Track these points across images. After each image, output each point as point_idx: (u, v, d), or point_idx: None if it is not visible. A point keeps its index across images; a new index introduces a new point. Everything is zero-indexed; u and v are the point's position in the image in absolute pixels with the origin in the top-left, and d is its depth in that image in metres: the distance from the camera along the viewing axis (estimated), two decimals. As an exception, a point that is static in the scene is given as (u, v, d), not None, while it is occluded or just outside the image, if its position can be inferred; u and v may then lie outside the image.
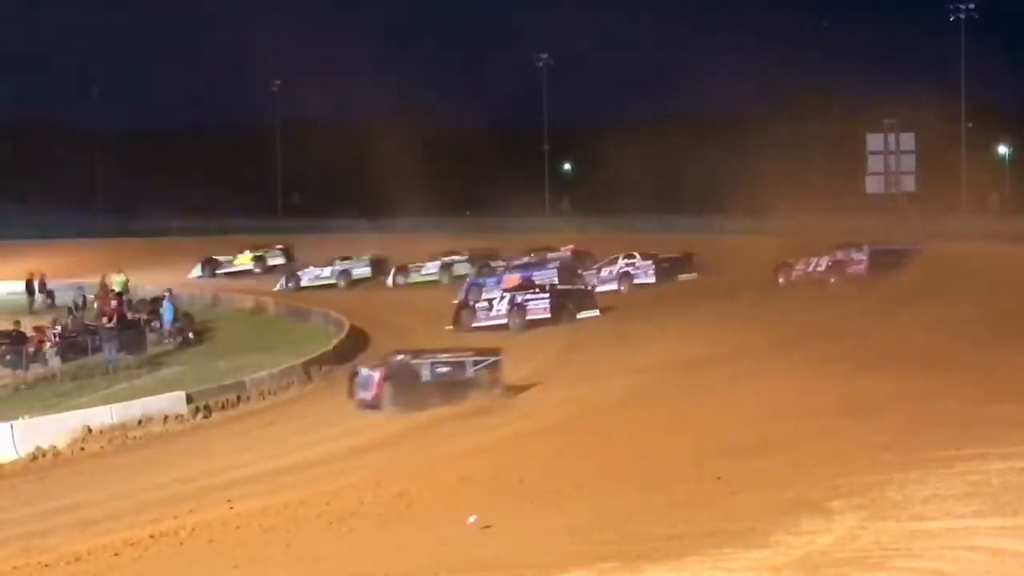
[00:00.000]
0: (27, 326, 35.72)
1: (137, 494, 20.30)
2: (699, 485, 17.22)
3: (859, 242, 44.89)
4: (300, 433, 24.65)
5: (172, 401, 27.24)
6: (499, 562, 14.02)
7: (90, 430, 25.43)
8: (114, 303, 39.63)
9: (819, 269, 44.51)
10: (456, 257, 51.71)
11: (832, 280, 43.48)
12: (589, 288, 40.77)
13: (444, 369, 26.85)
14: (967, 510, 13.96)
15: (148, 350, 35.31)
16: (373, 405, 26.39)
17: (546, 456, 20.10)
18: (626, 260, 46.00)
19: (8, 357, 33.23)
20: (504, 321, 37.44)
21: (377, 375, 26.58)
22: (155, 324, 37.93)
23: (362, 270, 53.50)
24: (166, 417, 26.59)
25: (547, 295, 38.04)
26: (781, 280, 44.21)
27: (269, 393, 29.06)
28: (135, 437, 25.65)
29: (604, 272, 45.56)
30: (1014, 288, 35.60)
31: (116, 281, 45.18)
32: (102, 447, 24.99)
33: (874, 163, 70.97)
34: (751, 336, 31.48)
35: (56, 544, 17.52)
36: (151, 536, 17.31)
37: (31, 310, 45.18)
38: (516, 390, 26.75)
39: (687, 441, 20.34)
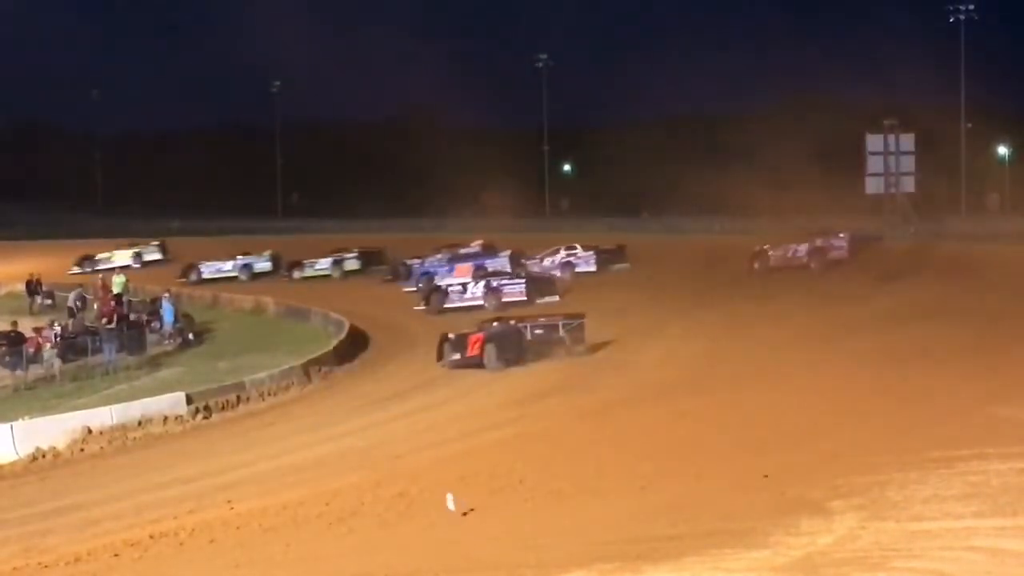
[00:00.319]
0: (27, 327, 35.66)
1: (137, 495, 20.29)
2: (699, 485, 17.22)
3: (836, 229, 48.42)
4: (300, 433, 24.63)
5: (172, 402, 27.20)
6: (499, 562, 14.02)
7: (90, 431, 25.39)
8: (112, 303, 39.65)
9: (798, 255, 47.61)
10: (346, 254, 56.39)
11: (812, 265, 46.56)
12: (549, 276, 45.15)
13: (540, 331, 31.50)
14: (967, 510, 13.97)
15: (148, 351, 35.26)
16: (469, 364, 30.74)
17: (546, 456, 20.10)
18: (567, 250, 49.61)
19: (8, 358, 33.19)
20: (481, 303, 41.33)
21: (475, 338, 30.98)
22: (155, 325, 37.90)
23: (263, 264, 58.02)
24: (166, 418, 26.54)
25: (522, 280, 42.82)
26: (756, 266, 47.33)
27: (269, 394, 29.01)
28: (135, 438, 25.62)
29: (547, 261, 48.87)
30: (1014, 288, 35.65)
31: (116, 282, 45.17)
32: (102, 448, 24.96)
33: (874, 164, 70.88)
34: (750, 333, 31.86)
35: (56, 544, 17.52)
36: (151, 536, 17.30)
37: (31, 311, 45.16)
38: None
39: (687, 441, 20.35)
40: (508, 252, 49.31)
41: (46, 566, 16.48)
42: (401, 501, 17.95)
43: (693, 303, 37.71)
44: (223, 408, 27.73)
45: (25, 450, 24.44)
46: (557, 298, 40.93)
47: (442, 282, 44.55)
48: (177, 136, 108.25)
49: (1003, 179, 77.89)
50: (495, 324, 32.25)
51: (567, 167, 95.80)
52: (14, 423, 25.20)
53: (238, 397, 28.42)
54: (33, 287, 48.58)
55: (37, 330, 34.97)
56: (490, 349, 30.79)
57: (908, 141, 70.82)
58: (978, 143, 76.39)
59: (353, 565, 14.85)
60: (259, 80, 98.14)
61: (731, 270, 45.64)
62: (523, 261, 48.45)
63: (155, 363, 34.02)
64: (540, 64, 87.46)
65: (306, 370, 30.78)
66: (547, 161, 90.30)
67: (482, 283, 42.65)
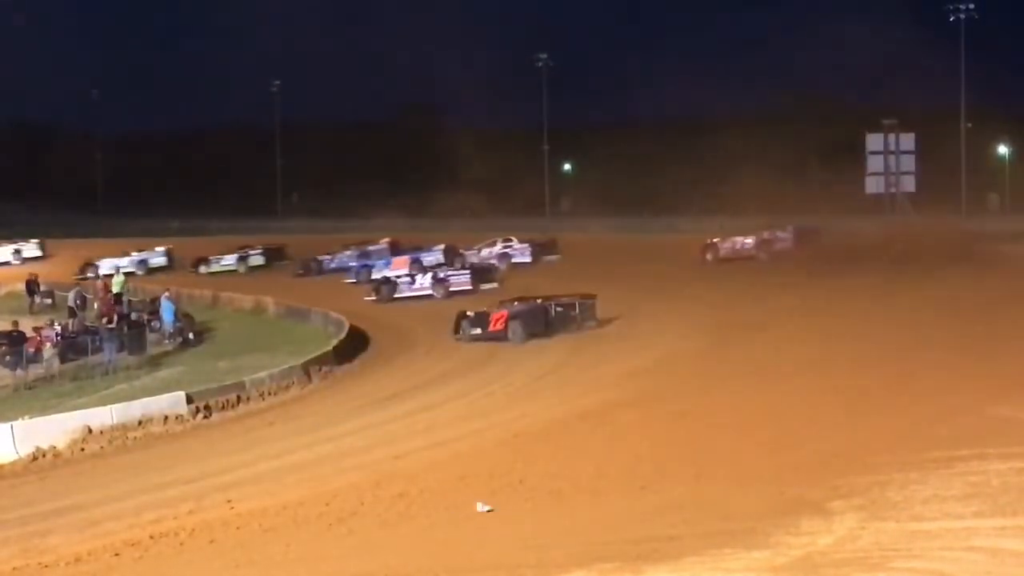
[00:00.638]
0: (27, 326, 35.66)
1: (137, 495, 20.27)
2: (699, 485, 17.22)
3: (783, 223, 52.96)
4: (300, 433, 24.61)
5: (172, 401, 27.18)
6: (499, 562, 14.02)
7: (90, 430, 25.37)
8: (111, 303, 39.69)
9: (746, 246, 52.10)
10: (251, 251, 61.86)
11: (761, 255, 51.08)
12: (490, 265, 49.76)
13: (560, 309, 35.47)
14: (967, 510, 13.98)
15: (148, 350, 35.25)
16: (491, 338, 34.40)
17: (546, 456, 20.11)
18: (504, 243, 54.56)
19: (8, 358, 33.20)
20: (429, 292, 45.57)
21: (498, 315, 34.98)
22: (155, 324, 37.89)
23: (159, 260, 63.14)
24: (166, 417, 26.52)
25: (468, 271, 47.11)
26: (709, 257, 51.62)
27: (269, 393, 28.99)
28: (135, 437, 25.60)
29: (484, 252, 53.37)
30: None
31: (116, 282, 45.19)
32: (102, 447, 24.94)
33: (874, 163, 70.91)
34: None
35: (56, 544, 17.51)
36: (151, 537, 17.30)
37: (31, 310, 45.18)
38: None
39: (687, 441, 20.35)
40: (442, 246, 52.85)
41: (46, 566, 16.47)
42: (401, 501, 17.94)
43: (629, 287, 41.57)
44: (223, 408, 27.71)
45: (25, 450, 24.43)
46: (496, 285, 45.45)
47: (381, 274, 48.75)
48: (177, 136, 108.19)
49: (1003, 179, 77.85)
50: (517, 303, 35.94)
51: (567, 167, 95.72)
52: (14, 423, 25.18)
53: (238, 397, 28.41)
54: (33, 287, 48.63)
55: (37, 329, 34.99)
56: (515, 325, 34.46)
57: (908, 140, 70.86)
58: (978, 143, 76.32)
59: (353, 565, 14.85)
60: (259, 80, 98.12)
61: (673, 260, 50.03)
62: (461, 252, 52.47)
63: (155, 363, 34.02)
64: (540, 64, 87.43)
65: (306, 370, 30.78)
66: (547, 161, 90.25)
67: (430, 275, 46.58)
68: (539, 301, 35.98)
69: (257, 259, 61.20)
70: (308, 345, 34.39)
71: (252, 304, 46.28)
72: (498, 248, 54.35)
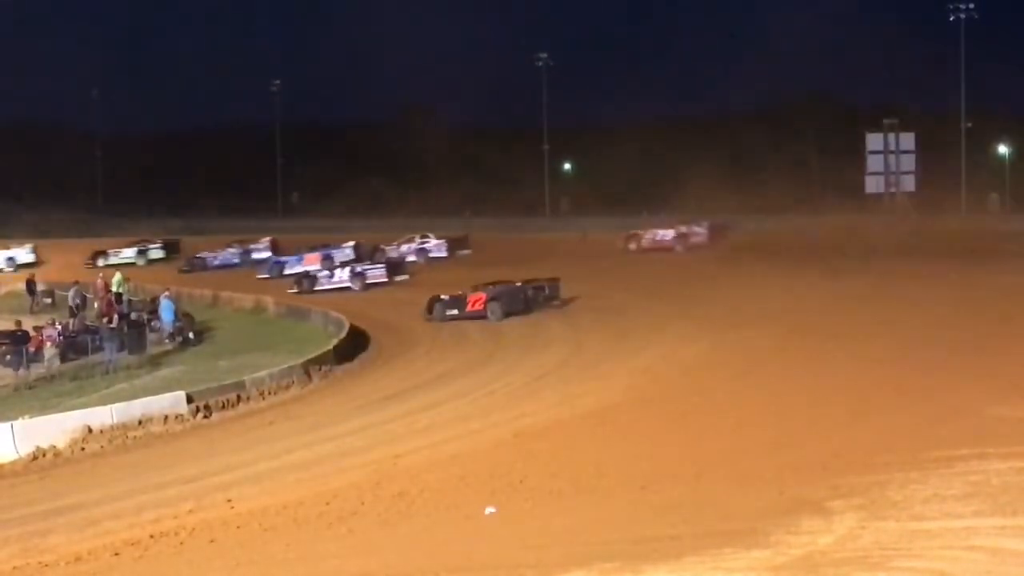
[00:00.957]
0: (28, 326, 35.64)
1: (137, 494, 20.26)
2: (699, 485, 17.22)
3: (699, 219, 59.18)
4: (300, 433, 24.61)
5: (172, 401, 27.17)
6: (499, 562, 14.02)
7: (90, 430, 25.35)
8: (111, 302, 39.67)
9: (666, 239, 58.19)
10: (150, 245, 66.86)
11: (677, 248, 57.05)
12: (402, 259, 55.36)
13: (532, 291, 40.36)
14: (967, 510, 13.97)
15: (148, 350, 35.24)
16: (468, 317, 38.98)
17: (546, 456, 20.11)
18: (421, 239, 60.08)
19: (8, 357, 33.20)
20: (348, 285, 49.59)
21: (475, 297, 39.69)
22: (155, 324, 37.89)
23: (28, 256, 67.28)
24: (166, 417, 26.50)
25: (383, 264, 52.47)
26: (632, 247, 57.73)
27: (269, 393, 28.98)
28: (135, 437, 25.59)
29: (403, 248, 58.92)
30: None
31: (116, 281, 45.19)
32: (102, 447, 24.92)
33: (874, 163, 70.92)
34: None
35: (56, 544, 17.51)
36: (151, 536, 17.29)
37: (31, 310, 45.19)
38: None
39: (687, 441, 20.36)
40: (352, 243, 57.19)
41: (46, 565, 16.47)
42: (401, 501, 17.94)
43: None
44: (223, 407, 27.70)
45: (25, 449, 24.42)
46: (407, 276, 50.96)
47: (295, 269, 53.97)
48: (177, 136, 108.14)
49: (1003, 179, 77.81)
50: (493, 286, 40.33)
51: (567, 166, 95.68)
52: (14, 422, 25.17)
53: (238, 396, 28.39)
54: (32, 286, 48.68)
55: (38, 329, 34.99)
56: (494, 305, 39.18)
57: (908, 140, 70.84)
58: (978, 143, 76.30)
59: (353, 565, 14.84)
60: (259, 80, 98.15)
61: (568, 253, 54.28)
62: (381, 247, 58.17)
63: (155, 362, 34.01)
64: (540, 64, 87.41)
65: (306, 369, 30.77)
66: (547, 161, 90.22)
67: (348, 269, 51.26)
68: (517, 284, 40.66)
69: (157, 252, 66.10)
70: (308, 345, 34.40)
71: (252, 304, 46.31)
72: (416, 244, 59.80)
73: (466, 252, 59.83)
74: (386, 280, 49.99)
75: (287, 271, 54.37)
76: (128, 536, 17.39)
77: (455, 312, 39.48)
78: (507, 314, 38.75)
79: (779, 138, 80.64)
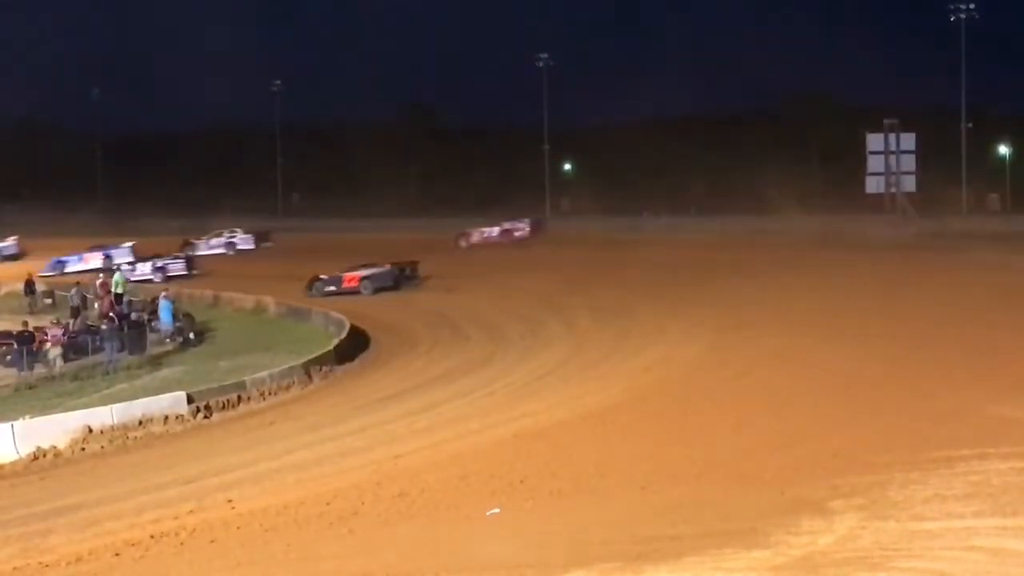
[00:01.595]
0: (30, 326, 35.61)
1: (138, 494, 20.25)
2: (699, 485, 17.22)
3: (522, 217, 68.14)
4: (300, 433, 24.59)
5: (173, 401, 27.14)
6: (499, 562, 14.03)
7: (91, 430, 25.32)
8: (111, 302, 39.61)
9: (492, 236, 65.97)
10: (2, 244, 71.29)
11: (504, 242, 64.62)
12: (195, 257, 60.82)
13: (399, 272, 48.62)
14: (967, 510, 13.98)
15: (149, 350, 35.21)
16: (343, 293, 45.93)
17: (546, 456, 20.11)
18: (230, 233, 68.16)
19: (9, 357, 33.18)
20: (150, 277, 54.54)
21: (351, 276, 47.20)
22: (155, 324, 37.86)
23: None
24: (167, 417, 26.47)
25: (183, 259, 58.26)
26: (463, 244, 65.38)
27: (270, 393, 28.95)
28: (136, 437, 25.57)
29: (213, 241, 66.96)
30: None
31: (116, 281, 45.14)
32: (102, 447, 24.90)
33: (874, 163, 70.91)
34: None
35: (56, 544, 17.49)
36: (152, 536, 17.28)
37: (31, 310, 45.16)
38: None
39: (687, 441, 20.36)
40: (131, 243, 61.76)
41: (47, 566, 16.45)
42: (401, 501, 17.94)
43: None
44: (224, 408, 27.67)
45: (26, 449, 24.40)
46: (198, 271, 56.86)
47: (57, 271, 57.80)
48: (177, 136, 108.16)
49: (1003, 179, 77.83)
50: (366, 267, 47.74)
51: (567, 167, 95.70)
52: (15, 422, 25.16)
53: (239, 397, 28.36)
54: (32, 287, 48.65)
55: (38, 329, 34.97)
56: (367, 283, 46.85)
57: (909, 140, 70.83)
58: (978, 143, 76.33)
59: (354, 565, 14.85)
60: (259, 80, 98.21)
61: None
62: (191, 241, 65.79)
63: (156, 362, 33.98)
64: (540, 64, 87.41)
65: (307, 370, 30.76)
66: (547, 161, 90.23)
67: (150, 263, 56.99)
68: (387, 266, 48.07)
69: (10, 248, 70.31)
70: (309, 345, 34.39)
71: (253, 304, 46.29)
72: (224, 237, 67.68)
73: (269, 244, 68.16)
74: (186, 273, 55.88)
75: (67, 270, 57.92)
76: (129, 536, 17.38)
77: (332, 289, 46.17)
78: (377, 290, 46.20)
79: (779, 138, 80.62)
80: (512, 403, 25.82)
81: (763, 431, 20.48)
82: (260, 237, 68.40)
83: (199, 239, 66.85)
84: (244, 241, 67.51)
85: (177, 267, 56.62)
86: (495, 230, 66.75)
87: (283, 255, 62.11)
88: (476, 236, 66.33)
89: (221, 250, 65.76)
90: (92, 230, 77.84)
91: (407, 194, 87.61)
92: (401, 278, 48.18)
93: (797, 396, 23.49)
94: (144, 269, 55.77)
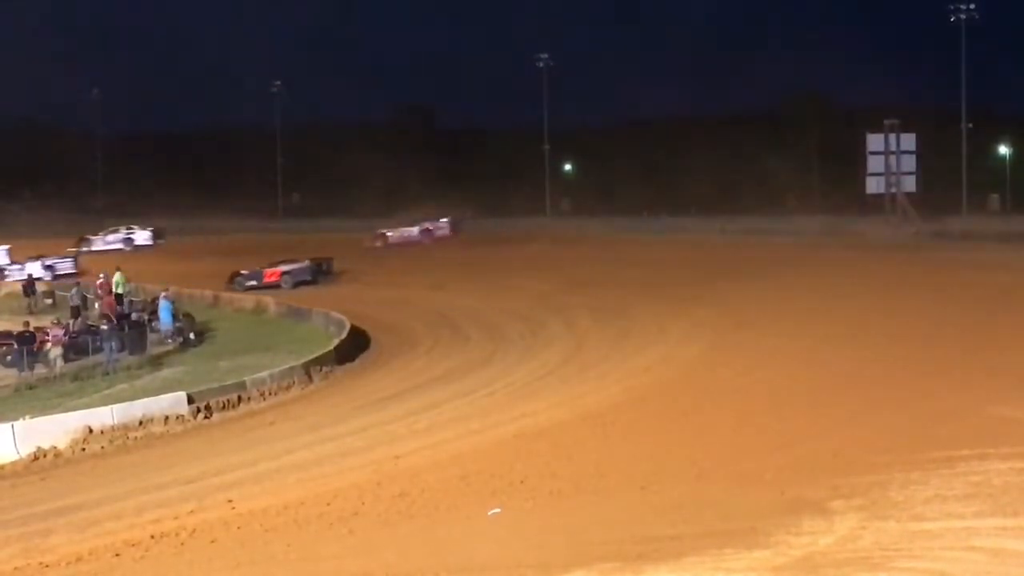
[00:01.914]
0: (31, 327, 35.60)
1: (138, 494, 20.25)
2: (699, 485, 17.22)
3: (442, 216, 70.51)
4: (301, 433, 24.60)
5: (173, 401, 27.14)
6: (499, 562, 14.03)
7: (91, 430, 25.32)
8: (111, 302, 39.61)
9: (413, 235, 68.57)
10: None
11: (424, 241, 67.73)
12: (76, 258, 62.37)
13: (316, 267, 51.86)
14: (968, 510, 13.98)
15: (149, 350, 35.21)
16: (263, 287, 48.71)
17: (546, 456, 20.11)
18: (127, 230, 73.28)
19: (9, 357, 33.17)
20: (40, 275, 55.25)
21: (271, 272, 50.29)
22: (155, 324, 37.85)
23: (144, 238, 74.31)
24: (167, 417, 26.47)
25: (72, 258, 60.73)
26: (379, 244, 67.35)
27: (270, 393, 28.96)
28: (136, 437, 25.58)
29: (110, 237, 71.81)
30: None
31: (116, 281, 45.18)
32: (103, 447, 24.91)
33: (874, 163, 70.88)
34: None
35: (56, 544, 17.50)
36: (152, 536, 17.28)
37: (32, 311, 45.17)
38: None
39: (687, 441, 20.36)
40: (7, 246, 63.21)
41: (47, 566, 16.46)
42: (401, 501, 17.94)
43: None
44: (224, 408, 27.67)
45: (26, 450, 24.41)
46: (76, 271, 58.05)
47: None
48: (177, 136, 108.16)
49: (1003, 179, 77.84)
50: (285, 263, 51.17)
51: (567, 167, 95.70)
52: (15, 423, 25.16)
53: (239, 397, 28.37)
54: (32, 287, 48.68)
55: (39, 329, 34.97)
56: (287, 277, 50.28)
57: (909, 140, 70.79)
58: (978, 143, 76.35)
59: (354, 565, 14.85)
60: (260, 80, 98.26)
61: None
62: (87, 237, 70.45)
63: (156, 362, 33.98)
64: (540, 64, 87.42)
65: (307, 370, 30.76)
66: (547, 161, 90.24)
67: (39, 262, 59.31)
68: (307, 262, 51.35)
69: None
70: (309, 345, 34.39)
71: (253, 304, 46.30)
72: (122, 234, 72.36)
73: (162, 241, 72.99)
74: (74, 272, 57.77)
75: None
76: (129, 536, 17.38)
77: (254, 283, 48.91)
78: (296, 284, 49.16)
79: (779, 138, 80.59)
80: (512, 403, 25.82)
81: (763, 431, 20.48)
82: (156, 233, 73.50)
83: (95, 235, 71.08)
84: (141, 237, 72.47)
85: (66, 266, 59.38)
86: (415, 229, 69.25)
87: (178, 252, 65.41)
88: (394, 236, 68.51)
89: (119, 246, 70.07)
90: (91, 231, 77.89)
91: (407, 194, 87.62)
92: (319, 273, 51.52)
93: (797, 396, 23.49)
94: (32, 268, 57.71)
